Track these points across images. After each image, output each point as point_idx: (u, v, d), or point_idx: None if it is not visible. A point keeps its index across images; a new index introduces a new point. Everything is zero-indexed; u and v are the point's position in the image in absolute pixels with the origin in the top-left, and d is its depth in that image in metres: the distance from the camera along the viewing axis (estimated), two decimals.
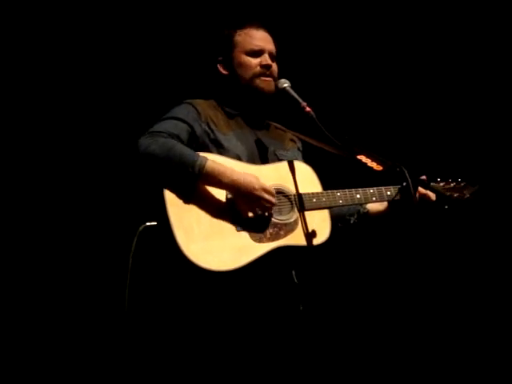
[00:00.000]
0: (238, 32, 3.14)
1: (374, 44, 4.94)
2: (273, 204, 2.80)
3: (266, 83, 3.06)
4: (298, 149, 3.27)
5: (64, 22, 4.39)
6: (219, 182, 2.77)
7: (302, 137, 3.19)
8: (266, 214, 2.82)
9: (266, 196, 2.77)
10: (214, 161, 2.78)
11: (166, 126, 2.87)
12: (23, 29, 4.31)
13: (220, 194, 2.80)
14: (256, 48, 3.09)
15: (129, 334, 3.45)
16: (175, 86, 4.38)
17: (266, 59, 3.08)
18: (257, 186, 2.77)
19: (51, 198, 4.34)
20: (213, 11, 4.46)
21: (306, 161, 3.16)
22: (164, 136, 2.80)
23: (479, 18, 4.89)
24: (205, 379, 2.76)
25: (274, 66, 3.12)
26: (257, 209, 2.79)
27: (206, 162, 2.75)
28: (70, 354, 4.28)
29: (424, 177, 3.14)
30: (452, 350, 4.82)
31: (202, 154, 2.80)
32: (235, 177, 2.77)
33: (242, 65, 3.08)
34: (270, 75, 3.08)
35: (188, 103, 3.02)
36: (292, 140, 3.27)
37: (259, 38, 3.13)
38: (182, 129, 2.89)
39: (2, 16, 4.27)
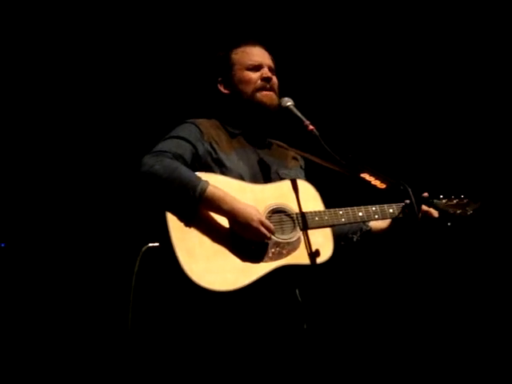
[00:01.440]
0: (234, 51, 3.16)
1: (375, 61, 4.97)
2: (268, 238, 2.79)
3: (267, 97, 3.07)
4: (301, 167, 3.27)
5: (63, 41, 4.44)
6: (218, 208, 2.77)
7: (305, 155, 3.19)
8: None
9: (262, 230, 2.76)
10: (215, 186, 2.78)
11: (171, 145, 2.88)
12: (25, 31, 4.34)
13: (221, 216, 2.81)
14: (255, 63, 3.11)
15: (132, 353, 3.45)
16: (178, 105, 4.40)
17: (265, 72, 3.10)
18: (255, 218, 2.76)
19: (55, 216, 4.36)
20: (208, 33, 4.49)
21: (309, 179, 3.15)
22: (169, 156, 2.81)
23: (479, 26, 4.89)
24: None
25: (275, 79, 3.13)
26: (253, 239, 2.78)
27: (207, 187, 2.75)
28: (74, 372, 4.27)
29: (426, 194, 3.13)
30: (451, 357, 4.81)
31: (204, 176, 2.81)
32: (235, 205, 2.77)
33: (242, 80, 3.09)
34: (271, 88, 3.09)
35: (191, 123, 3.03)
36: (294, 158, 3.26)
37: (256, 54, 3.15)
38: (185, 148, 2.90)
39: (2, 16, 4.30)
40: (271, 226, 2.80)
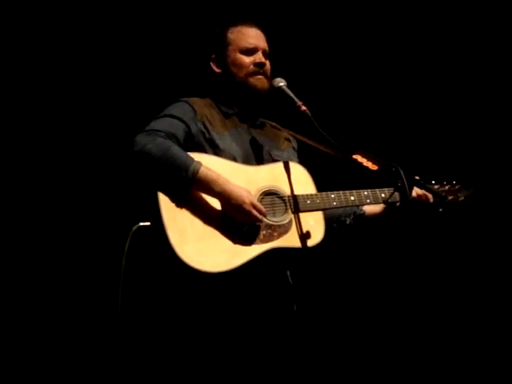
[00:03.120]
0: (231, 30, 3.14)
1: (367, 42, 4.94)
2: (260, 221, 2.78)
3: (259, 81, 3.06)
4: (293, 148, 3.26)
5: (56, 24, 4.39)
6: (211, 190, 2.76)
7: (298, 136, 3.18)
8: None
9: (254, 212, 2.75)
10: (208, 167, 2.77)
11: (164, 124, 2.87)
12: (22, 29, 4.31)
13: (213, 197, 2.80)
14: (250, 46, 3.09)
15: (122, 334, 3.45)
16: (171, 83, 4.37)
17: (259, 57, 3.08)
18: (247, 201, 2.75)
19: (44, 197, 4.34)
20: (205, 9, 4.45)
21: (301, 161, 3.16)
22: (162, 135, 2.80)
23: (478, 20, 4.88)
24: (200, 379, 2.76)
25: (268, 64, 3.11)
26: (245, 221, 2.78)
27: (199, 167, 2.74)
28: (63, 354, 4.27)
29: (417, 177, 3.12)
30: (448, 351, 4.84)
31: (197, 157, 2.80)
32: (227, 187, 2.76)
33: (235, 63, 3.08)
34: (264, 73, 3.08)
35: (184, 101, 3.02)
36: (287, 139, 3.26)
37: (252, 36, 3.13)
38: (178, 127, 2.89)
39: (1, 16, 4.26)
40: (263, 208, 2.80)
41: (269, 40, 3.17)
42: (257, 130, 3.12)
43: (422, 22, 4.91)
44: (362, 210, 3.24)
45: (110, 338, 3.76)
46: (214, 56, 3.14)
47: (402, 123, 4.92)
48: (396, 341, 4.83)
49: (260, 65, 3.07)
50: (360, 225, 3.25)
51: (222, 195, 2.76)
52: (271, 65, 3.13)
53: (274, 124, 3.24)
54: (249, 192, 2.80)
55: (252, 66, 3.06)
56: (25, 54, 4.35)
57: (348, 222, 3.24)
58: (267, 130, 3.19)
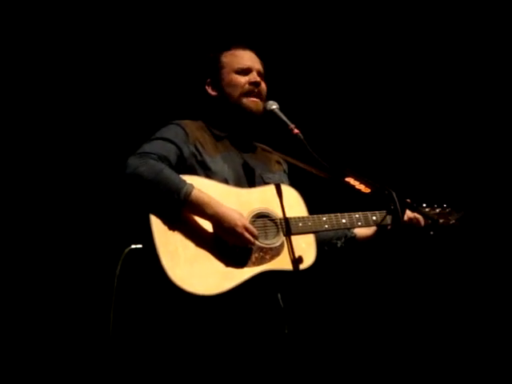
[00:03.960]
0: (225, 54, 3.16)
1: (362, 65, 4.97)
2: (252, 244, 2.78)
3: (253, 103, 3.07)
4: (284, 171, 3.27)
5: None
6: (203, 212, 2.77)
7: (289, 159, 3.18)
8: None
9: (246, 235, 2.76)
10: (200, 190, 2.77)
11: (156, 146, 2.87)
12: (23, 30, 4.31)
13: (205, 220, 2.80)
14: (244, 66, 3.11)
15: (113, 357, 3.42)
16: (163, 105, 4.38)
17: (254, 76, 3.10)
18: (239, 223, 2.76)
19: (38, 218, 4.32)
20: (200, 34, 4.48)
21: (292, 184, 3.16)
22: (154, 158, 2.80)
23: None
24: None
25: (263, 85, 3.13)
26: (237, 244, 2.78)
27: (191, 190, 2.75)
28: (56, 375, 4.25)
29: (409, 200, 3.14)
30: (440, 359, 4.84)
31: (189, 179, 2.80)
32: (219, 210, 2.76)
33: (230, 83, 3.09)
34: (258, 94, 3.08)
35: (176, 124, 3.02)
36: (278, 162, 3.26)
37: (247, 58, 3.15)
38: (170, 150, 2.89)
39: (2, 16, 4.27)
40: (255, 231, 2.80)
41: (263, 62, 3.20)
42: (248, 154, 3.13)
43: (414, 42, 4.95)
44: (353, 232, 3.25)
45: (101, 360, 3.74)
46: (209, 80, 3.16)
47: (392, 146, 4.94)
48: (389, 365, 4.82)
49: (255, 84, 3.08)
50: (351, 248, 3.26)
51: (214, 218, 2.77)
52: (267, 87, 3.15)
53: (264, 147, 3.24)
54: (241, 214, 2.80)
55: (247, 85, 3.08)
56: (22, 65, 4.36)
57: (339, 245, 3.25)
58: (258, 153, 3.20)
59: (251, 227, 2.79)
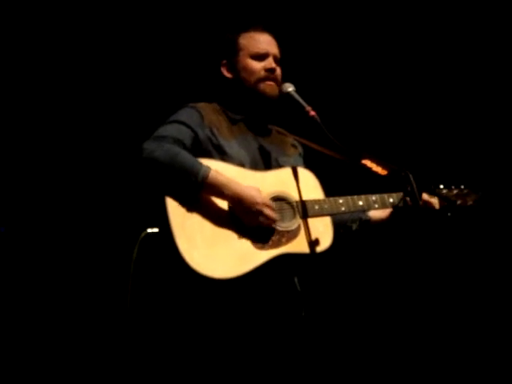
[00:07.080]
0: (242, 35, 3.13)
1: (380, 48, 4.94)
2: (273, 220, 2.78)
3: (269, 88, 3.05)
4: (300, 154, 3.25)
5: (66, 24, 4.39)
6: (221, 194, 2.76)
7: (305, 141, 3.18)
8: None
9: (267, 211, 2.76)
10: (218, 171, 2.76)
11: (171, 130, 2.86)
12: (26, 32, 4.31)
13: (222, 202, 2.79)
14: (261, 51, 3.08)
15: (131, 340, 3.44)
16: (178, 88, 4.37)
17: (270, 63, 3.07)
18: (259, 200, 2.76)
19: (53, 202, 4.35)
20: (217, 14, 4.45)
21: (308, 166, 3.14)
22: (169, 141, 2.79)
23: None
24: None
25: (278, 70, 3.10)
26: (257, 222, 2.77)
27: (209, 172, 2.74)
28: (71, 358, 4.27)
29: (426, 182, 3.12)
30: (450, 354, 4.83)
31: (205, 162, 2.79)
32: (238, 189, 2.76)
33: (246, 68, 3.07)
34: (274, 79, 3.06)
35: (192, 107, 3.01)
36: (293, 145, 3.25)
37: (264, 42, 3.12)
38: (185, 134, 2.88)
39: (2, 16, 4.27)
40: (274, 208, 2.80)
41: (280, 45, 3.16)
42: (264, 138, 3.12)
43: (428, 28, 4.91)
44: (367, 216, 3.22)
45: (118, 344, 3.76)
46: (224, 61, 3.13)
47: (409, 128, 4.92)
48: (405, 345, 4.82)
49: (271, 70, 3.06)
50: (366, 231, 3.24)
51: (232, 198, 2.76)
52: (282, 71, 3.12)
53: (280, 130, 3.23)
54: (259, 191, 2.79)
55: (263, 72, 3.05)
56: (27, 66, 4.36)
57: (354, 228, 3.23)
58: (274, 136, 3.19)
59: (270, 203, 2.79)
